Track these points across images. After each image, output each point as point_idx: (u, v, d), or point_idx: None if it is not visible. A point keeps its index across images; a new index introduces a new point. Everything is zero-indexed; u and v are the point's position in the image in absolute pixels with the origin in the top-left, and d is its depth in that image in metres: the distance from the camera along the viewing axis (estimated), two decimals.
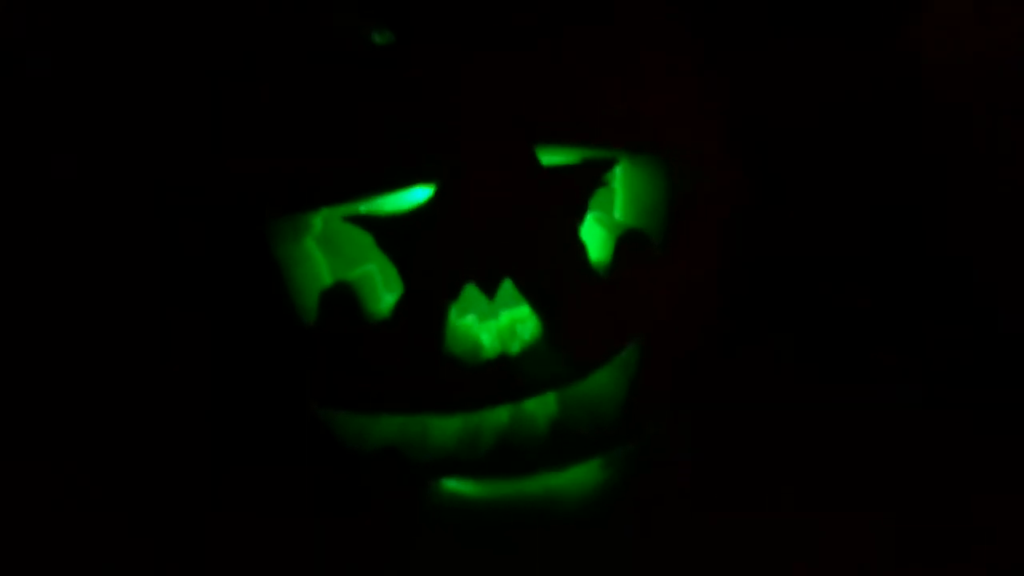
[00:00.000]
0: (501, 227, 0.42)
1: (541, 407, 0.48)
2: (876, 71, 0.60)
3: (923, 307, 0.62)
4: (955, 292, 0.59)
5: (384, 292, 0.48)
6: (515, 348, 0.44)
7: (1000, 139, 0.52)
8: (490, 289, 0.42)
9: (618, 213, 0.48)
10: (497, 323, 0.49)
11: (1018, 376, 0.54)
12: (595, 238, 0.47)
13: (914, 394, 0.56)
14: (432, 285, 0.42)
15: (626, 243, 0.44)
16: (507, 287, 0.42)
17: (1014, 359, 0.55)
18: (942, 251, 0.59)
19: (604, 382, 0.48)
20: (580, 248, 0.43)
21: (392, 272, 0.43)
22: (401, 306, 0.42)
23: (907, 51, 0.56)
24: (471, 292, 0.42)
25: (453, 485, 0.53)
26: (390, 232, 0.42)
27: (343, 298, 0.44)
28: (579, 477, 0.52)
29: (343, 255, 0.48)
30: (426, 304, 0.42)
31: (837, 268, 0.64)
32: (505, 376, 0.44)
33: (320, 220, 0.46)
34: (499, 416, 0.48)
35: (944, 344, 0.59)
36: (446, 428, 0.49)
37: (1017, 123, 0.51)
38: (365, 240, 0.43)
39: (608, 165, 0.43)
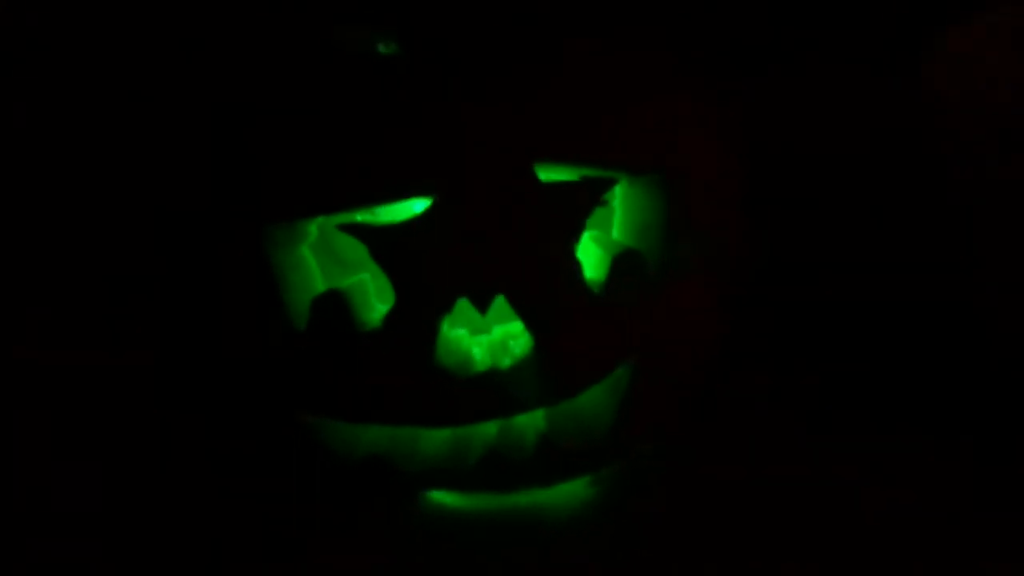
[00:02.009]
0: (497, 242, 0.42)
1: (530, 423, 0.48)
2: (890, 103, 0.60)
3: (929, 339, 0.61)
4: (962, 326, 0.59)
5: (377, 302, 0.48)
6: (506, 363, 0.44)
7: (1014, 173, 0.52)
8: (483, 305, 0.42)
9: (616, 233, 0.48)
10: (489, 337, 0.49)
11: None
12: (591, 257, 0.47)
13: (905, 423, 0.56)
14: (425, 297, 0.42)
15: (622, 263, 0.44)
16: (501, 302, 0.42)
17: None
18: (953, 288, 0.59)
19: (594, 401, 0.47)
20: (575, 266, 0.43)
21: (385, 282, 0.43)
22: (392, 316, 0.42)
23: (922, 85, 0.56)
24: (464, 305, 0.42)
25: (440, 496, 0.53)
26: (384, 242, 0.42)
27: (335, 306, 0.43)
28: (566, 494, 0.52)
29: (338, 263, 0.48)
30: (418, 316, 0.42)
31: (840, 297, 0.64)
32: (494, 391, 0.44)
33: (316, 228, 0.46)
34: (488, 430, 0.48)
35: (946, 381, 0.58)
36: (436, 439, 0.49)
37: None
38: (360, 249, 0.43)
39: (607, 184, 0.43)
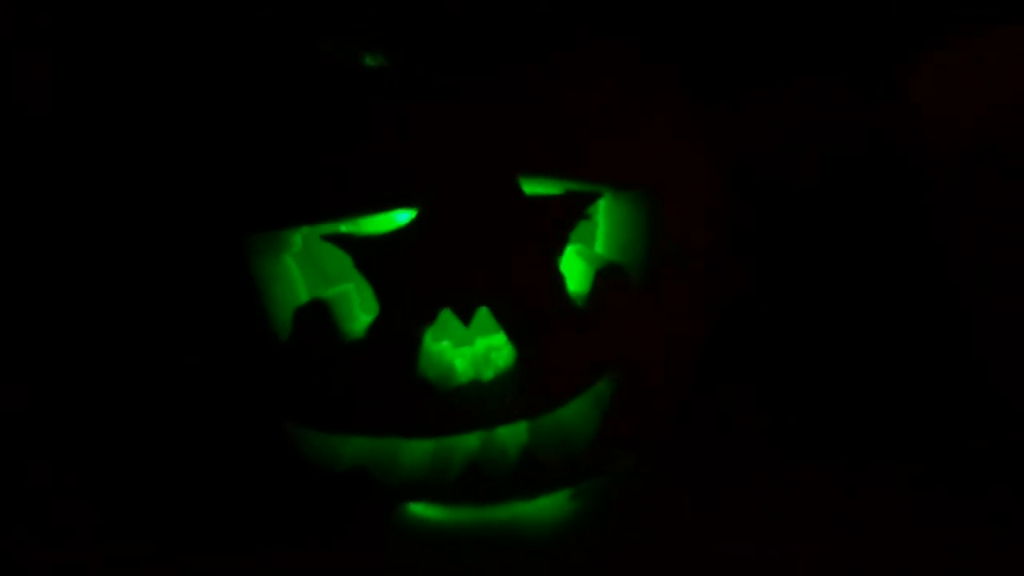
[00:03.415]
0: (481, 254, 0.42)
1: (512, 435, 0.48)
2: (872, 121, 0.61)
3: (912, 352, 0.62)
4: (947, 340, 0.59)
5: (360, 312, 0.48)
6: (488, 375, 0.44)
7: (998, 193, 0.52)
8: (466, 316, 0.42)
9: (599, 247, 0.48)
10: (472, 349, 0.49)
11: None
12: (575, 270, 0.47)
13: (888, 434, 0.56)
14: (408, 308, 0.42)
15: (604, 276, 0.44)
16: (484, 314, 0.42)
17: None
18: (936, 300, 0.59)
19: (576, 414, 0.48)
20: (559, 279, 0.43)
21: (369, 293, 0.43)
22: (375, 327, 0.42)
23: (903, 104, 0.57)
24: (447, 317, 0.42)
25: (420, 509, 0.53)
26: (368, 253, 0.42)
27: (318, 316, 0.43)
28: (547, 507, 0.52)
29: (322, 273, 0.48)
30: (401, 327, 0.42)
31: (822, 310, 0.65)
32: (476, 402, 0.44)
33: (300, 238, 0.46)
34: (470, 442, 0.48)
35: (930, 393, 0.59)
36: (417, 451, 0.49)
37: (1014, 179, 0.52)
38: (344, 260, 0.42)
39: (591, 199, 0.43)
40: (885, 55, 0.60)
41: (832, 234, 0.63)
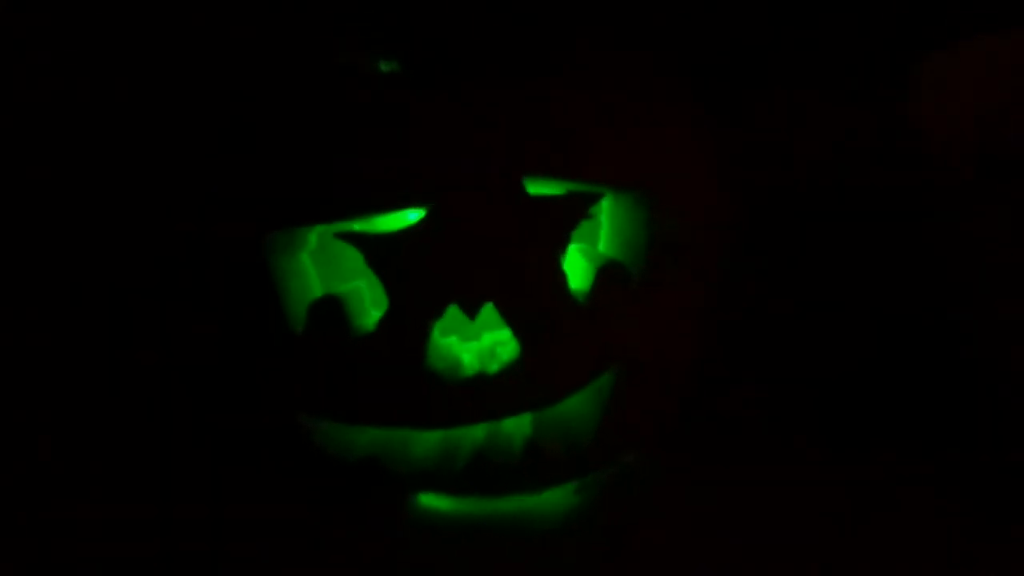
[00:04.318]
0: (487, 252, 0.43)
1: (517, 428, 0.49)
2: (877, 124, 0.62)
3: (914, 352, 0.62)
4: (948, 341, 0.60)
5: (371, 307, 0.49)
6: (493, 368, 0.46)
7: (996, 198, 0.53)
8: (472, 311, 0.43)
9: (602, 246, 0.50)
10: (479, 343, 0.50)
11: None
12: (577, 268, 0.49)
13: (892, 435, 0.57)
14: (417, 303, 0.44)
15: (605, 274, 0.46)
16: (489, 310, 0.44)
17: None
18: (938, 304, 0.60)
19: (579, 407, 0.49)
20: (561, 276, 0.44)
21: (380, 289, 0.44)
22: (386, 321, 0.44)
23: (902, 112, 0.58)
24: (455, 313, 0.44)
25: (431, 500, 0.54)
26: (380, 250, 0.43)
27: (330, 310, 0.45)
28: (552, 500, 0.53)
29: (336, 270, 0.50)
30: (410, 321, 0.44)
31: (825, 311, 0.66)
32: (482, 394, 0.45)
33: (315, 236, 0.48)
34: (476, 433, 0.49)
35: (931, 398, 0.60)
36: (426, 442, 0.50)
37: (1013, 189, 0.52)
38: (357, 257, 0.44)
39: (593, 199, 0.45)
40: (886, 60, 0.60)
41: (834, 235, 0.63)
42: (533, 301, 0.44)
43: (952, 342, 0.59)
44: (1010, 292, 0.53)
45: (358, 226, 0.46)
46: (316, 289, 0.49)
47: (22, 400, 0.62)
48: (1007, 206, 0.52)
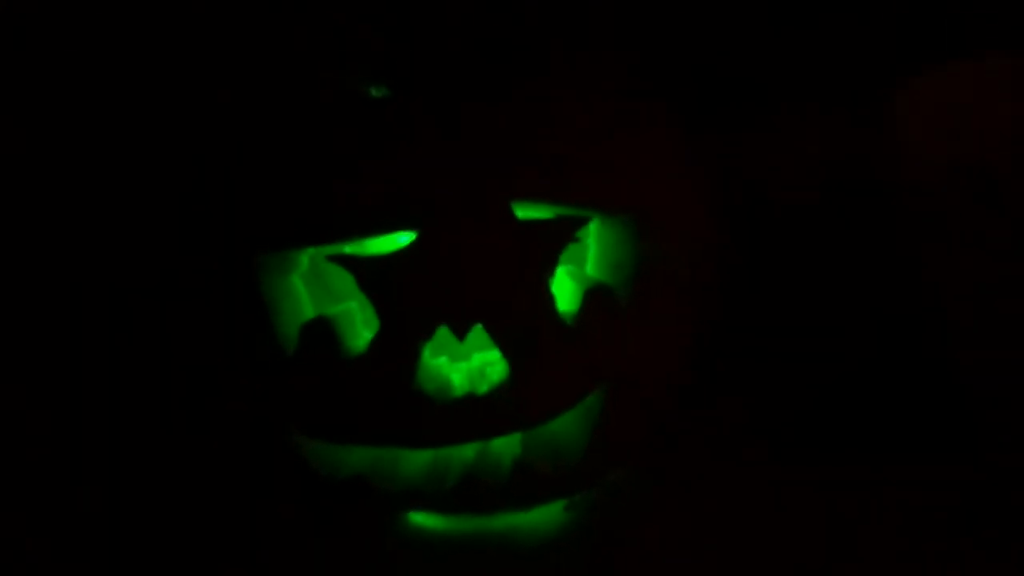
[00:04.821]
0: (476, 274, 0.44)
1: (506, 447, 0.50)
2: (860, 146, 0.63)
3: (900, 364, 0.63)
4: (933, 352, 0.61)
5: (362, 329, 0.50)
6: (482, 388, 0.46)
7: (975, 220, 0.54)
8: (461, 332, 0.44)
9: (590, 268, 0.50)
10: (468, 364, 0.51)
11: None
12: (565, 290, 0.50)
13: (876, 449, 0.58)
14: (407, 324, 0.45)
15: (593, 295, 0.46)
16: (479, 331, 0.45)
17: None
18: (922, 318, 0.61)
19: (568, 427, 0.49)
20: (549, 298, 0.45)
21: (371, 310, 0.45)
22: (376, 342, 0.45)
23: (887, 131, 0.59)
24: (445, 334, 0.45)
25: (419, 518, 0.55)
26: (371, 272, 0.44)
27: (322, 331, 0.46)
28: (542, 518, 0.54)
29: (327, 292, 0.51)
30: (400, 342, 0.45)
31: (810, 329, 0.66)
32: (471, 414, 0.46)
33: (307, 258, 0.49)
34: (466, 453, 0.50)
35: (921, 409, 0.60)
36: (416, 461, 0.51)
37: (989, 206, 0.53)
38: (348, 279, 0.45)
39: (580, 222, 0.46)
40: (870, 82, 0.61)
41: (819, 248, 0.64)
42: (522, 322, 0.45)
43: (937, 352, 0.60)
44: (982, 304, 0.54)
45: (349, 249, 0.47)
46: (308, 310, 0.49)
47: (18, 413, 0.62)
48: (979, 226, 0.54)
